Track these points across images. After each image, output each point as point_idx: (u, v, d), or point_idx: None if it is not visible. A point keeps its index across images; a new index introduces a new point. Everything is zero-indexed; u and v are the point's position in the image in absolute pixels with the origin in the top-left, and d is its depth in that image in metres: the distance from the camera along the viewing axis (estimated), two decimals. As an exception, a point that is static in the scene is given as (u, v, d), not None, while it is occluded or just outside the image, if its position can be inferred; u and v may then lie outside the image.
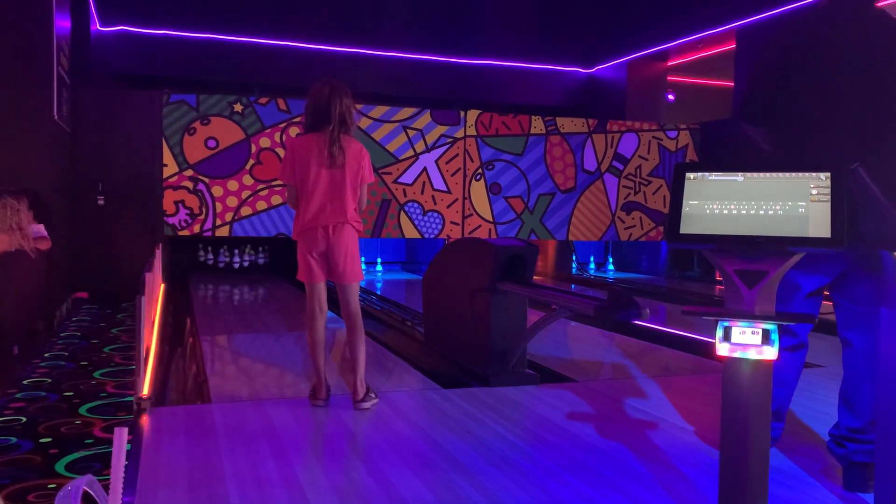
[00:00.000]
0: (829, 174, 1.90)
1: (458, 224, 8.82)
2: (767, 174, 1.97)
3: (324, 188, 3.44)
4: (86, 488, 1.20)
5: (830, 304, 2.76)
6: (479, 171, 8.85)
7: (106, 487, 1.33)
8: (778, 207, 1.92)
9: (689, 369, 4.84)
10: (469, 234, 8.76)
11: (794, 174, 1.94)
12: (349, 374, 3.73)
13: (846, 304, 2.64)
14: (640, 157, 9.58)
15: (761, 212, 1.93)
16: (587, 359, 5.38)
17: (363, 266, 3.64)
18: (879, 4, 2.69)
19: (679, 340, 5.64)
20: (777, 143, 2.68)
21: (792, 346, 2.76)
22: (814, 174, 1.92)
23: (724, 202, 1.98)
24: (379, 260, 11.66)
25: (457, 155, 8.77)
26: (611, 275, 11.37)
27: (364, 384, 3.54)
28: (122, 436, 1.35)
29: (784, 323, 1.97)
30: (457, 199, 8.80)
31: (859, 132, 2.50)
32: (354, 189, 3.49)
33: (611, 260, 11.79)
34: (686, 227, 2.00)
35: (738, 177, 2.00)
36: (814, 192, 1.90)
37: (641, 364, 5.10)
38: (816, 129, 2.55)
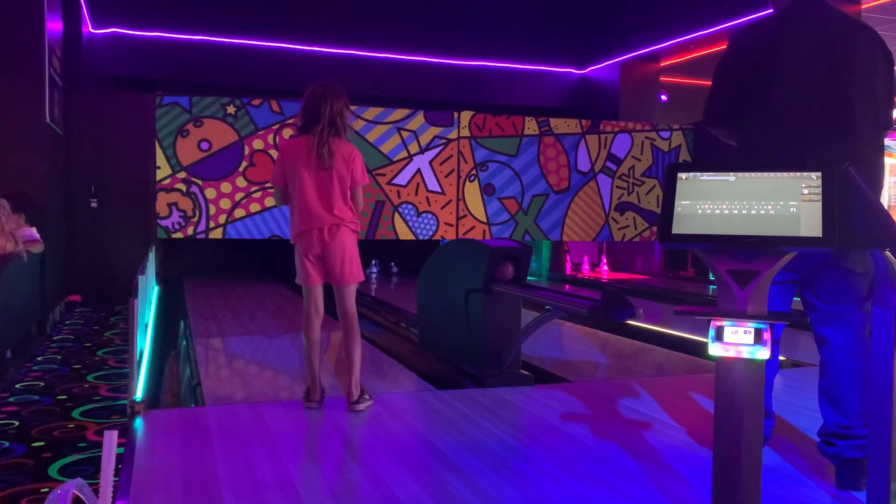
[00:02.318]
0: (819, 174, 1.91)
1: (452, 225, 8.82)
2: (759, 174, 1.98)
3: (313, 190, 3.44)
4: (76, 492, 1.20)
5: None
6: (473, 172, 8.86)
7: (97, 491, 1.33)
8: (769, 207, 1.93)
9: (683, 369, 4.85)
10: (463, 235, 8.76)
11: (785, 174, 1.95)
12: (344, 376, 3.73)
13: (817, 303, 2.66)
14: (633, 157, 9.60)
15: (753, 211, 1.94)
16: (581, 359, 5.39)
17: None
18: (872, 5, 2.73)
19: (673, 340, 5.65)
20: (742, 142, 2.73)
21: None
22: (805, 174, 1.93)
23: (716, 202, 1.98)
24: (374, 261, 11.65)
25: (450, 156, 8.78)
26: (605, 275, 11.39)
27: (358, 386, 3.53)
28: (111, 439, 1.35)
29: (777, 322, 1.98)
30: (451, 201, 8.81)
31: (826, 133, 2.54)
32: (343, 191, 3.48)
33: (605, 260, 11.81)
34: (678, 228, 2.00)
35: (730, 177, 2.00)
36: (805, 191, 1.91)
37: (635, 364, 5.11)
38: (779, 131, 2.59)
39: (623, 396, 3.85)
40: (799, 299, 2.81)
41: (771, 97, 2.60)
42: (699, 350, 5.12)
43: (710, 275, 2.23)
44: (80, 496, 1.23)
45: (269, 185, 8.00)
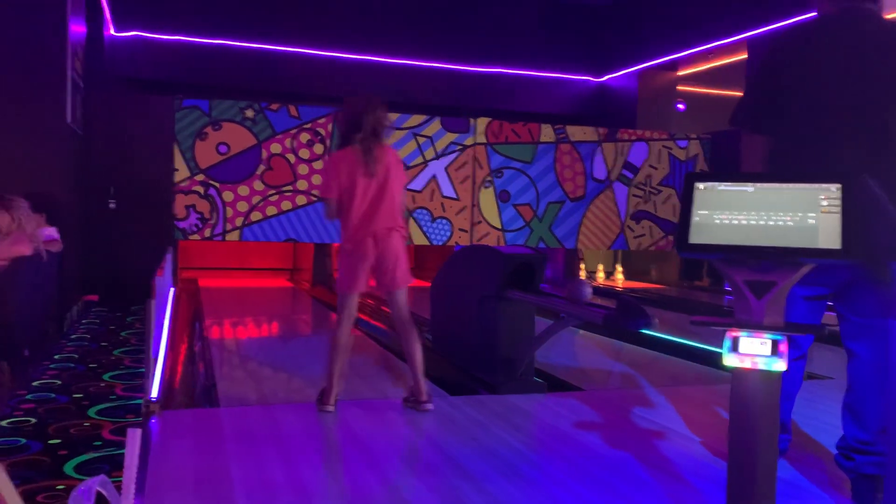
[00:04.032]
0: (839, 185, 1.90)
1: (466, 231, 8.82)
2: (778, 185, 1.97)
3: (368, 198, 3.51)
4: (99, 489, 1.21)
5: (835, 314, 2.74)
6: (489, 178, 8.86)
7: (117, 489, 1.34)
8: (788, 218, 1.92)
9: (698, 379, 4.83)
10: (477, 241, 8.76)
11: (804, 185, 1.94)
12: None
13: (849, 315, 2.61)
14: (650, 166, 9.56)
15: (771, 222, 1.93)
16: (595, 368, 5.37)
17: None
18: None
19: (688, 350, 5.62)
20: (774, 150, 2.67)
21: (795, 357, 2.74)
22: (824, 185, 1.91)
23: (733, 212, 1.98)
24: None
25: (466, 162, 8.79)
26: (620, 284, 11.34)
27: (426, 385, 3.61)
28: (135, 437, 1.37)
29: (793, 334, 1.97)
30: (465, 207, 8.81)
31: (857, 144, 2.48)
32: (396, 196, 3.57)
33: (620, 269, 11.76)
34: (696, 237, 1.99)
35: (749, 187, 2.00)
36: (824, 203, 1.90)
37: (649, 374, 5.09)
38: (814, 140, 2.54)
39: (636, 406, 3.84)
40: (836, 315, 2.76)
41: (798, 108, 2.56)
42: (714, 360, 5.08)
43: (726, 285, 2.21)
44: (104, 493, 1.25)
45: (285, 188, 8.05)
